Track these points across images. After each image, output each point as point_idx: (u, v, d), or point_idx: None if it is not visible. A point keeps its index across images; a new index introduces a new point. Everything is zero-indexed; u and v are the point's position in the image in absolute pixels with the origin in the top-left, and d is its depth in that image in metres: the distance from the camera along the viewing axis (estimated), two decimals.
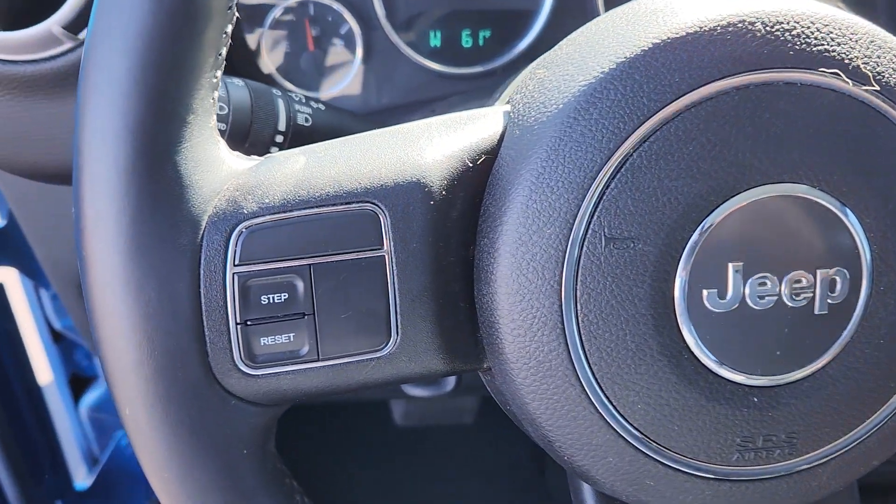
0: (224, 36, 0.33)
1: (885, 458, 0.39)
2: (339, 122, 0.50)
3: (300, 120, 0.48)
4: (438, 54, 0.66)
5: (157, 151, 0.31)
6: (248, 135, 0.45)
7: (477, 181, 0.36)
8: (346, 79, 0.65)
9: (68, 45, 0.49)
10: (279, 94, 0.47)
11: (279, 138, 0.47)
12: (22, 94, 0.51)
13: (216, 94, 0.34)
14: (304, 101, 0.49)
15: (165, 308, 0.32)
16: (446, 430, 1.26)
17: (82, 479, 1.14)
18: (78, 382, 1.10)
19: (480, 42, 0.67)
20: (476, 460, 1.26)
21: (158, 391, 0.33)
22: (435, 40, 0.66)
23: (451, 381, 0.71)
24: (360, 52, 0.65)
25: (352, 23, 0.64)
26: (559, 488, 1.25)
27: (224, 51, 0.33)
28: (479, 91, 0.59)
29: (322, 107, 0.50)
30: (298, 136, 0.48)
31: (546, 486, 1.26)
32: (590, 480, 0.38)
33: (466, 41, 0.66)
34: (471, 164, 0.36)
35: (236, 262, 0.33)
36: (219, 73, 0.34)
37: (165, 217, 0.32)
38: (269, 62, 0.64)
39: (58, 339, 1.05)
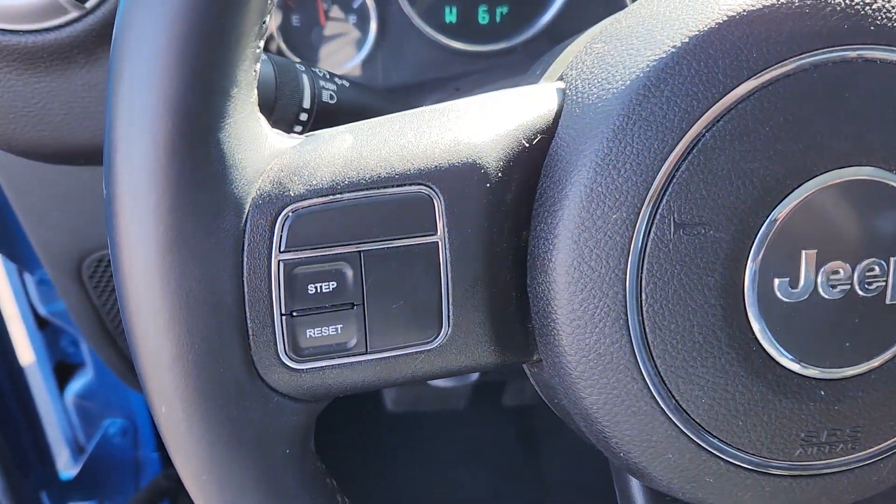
0: (269, 1, 0.30)
1: None
2: (364, 99, 0.48)
3: (325, 97, 0.45)
4: (454, 30, 0.64)
5: (200, 129, 0.28)
6: (273, 112, 0.42)
7: (532, 162, 0.34)
8: (359, 55, 0.62)
9: (73, 14, 0.46)
10: (303, 69, 0.45)
11: (304, 116, 0.44)
12: (21, 66, 0.47)
13: (258, 66, 0.31)
14: (328, 77, 0.46)
15: (208, 299, 0.29)
16: (438, 416, 1.25)
17: (67, 468, 1.10)
18: (64, 369, 1.06)
19: (497, 18, 0.64)
20: (467, 446, 1.25)
21: (198, 388, 0.30)
22: (451, 16, 0.63)
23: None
24: (374, 26, 0.62)
25: None
26: (552, 474, 1.25)
27: (268, 18, 0.31)
28: (504, 69, 0.57)
29: (346, 83, 0.47)
30: (323, 114, 0.45)
31: (538, 471, 1.26)
32: (644, 478, 0.36)
33: (483, 17, 0.64)
34: (527, 145, 0.34)
35: (282, 249, 0.31)
36: (261, 43, 0.31)
37: (208, 200, 0.29)
38: (278, 36, 0.61)
39: (43, 326, 1.01)
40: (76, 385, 1.07)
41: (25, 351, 1.02)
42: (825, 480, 0.36)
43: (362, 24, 0.62)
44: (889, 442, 0.36)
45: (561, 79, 0.36)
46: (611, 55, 0.34)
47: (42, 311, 0.95)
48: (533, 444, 1.27)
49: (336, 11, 0.61)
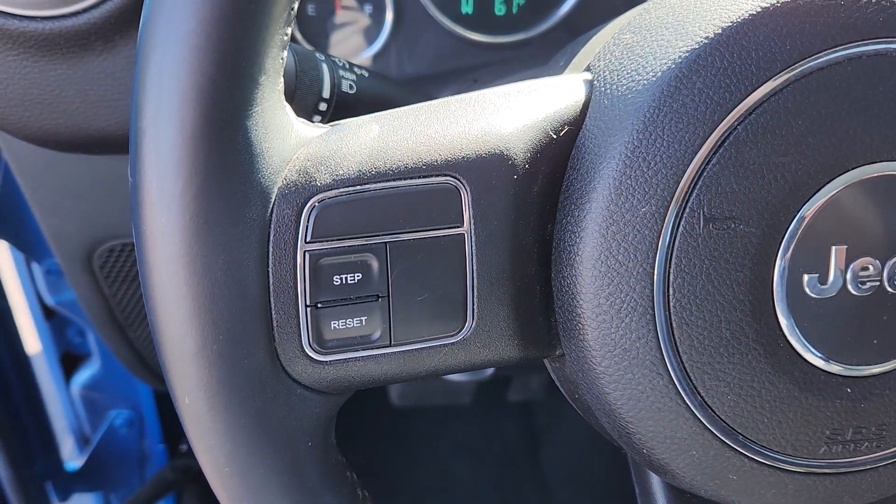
0: None
1: None
2: (384, 90, 0.47)
3: (344, 87, 0.44)
4: (471, 21, 0.63)
5: (228, 116, 0.28)
6: (292, 101, 0.42)
7: (559, 154, 0.34)
8: (375, 45, 0.62)
9: (91, 0, 0.45)
10: (323, 58, 0.44)
11: (323, 105, 0.44)
12: (38, 53, 0.47)
13: (285, 54, 0.31)
14: (348, 66, 0.45)
15: (233, 289, 0.29)
16: (443, 410, 1.24)
17: (73, 458, 1.10)
18: (70, 360, 1.06)
19: (514, 9, 0.63)
20: (471, 440, 1.25)
21: (221, 379, 0.30)
22: (467, 7, 0.63)
23: None
24: (390, 16, 0.61)
25: None
26: (556, 469, 1.25)
27: (296, 4, 0.30)
28: (522, 60, 0.56)
29: (366, 73, 0.46)
30: (342, 104, 0.45)
31: (542, 467, 1.26)
32: (668, 475, 0.36)
33: (500, 8, 0.63)
34: (554, 136, 0.33)
35: (308, 239, 0.30)
36: (289, 30, 0.30)
37: (234, 189, 0.29)
38: (294, 26, 0.60)
39: (50, 316, 1.00)
40: (82, 376, 1.07)
41: (32, 341, 1.02)
42: (849, 479, 0.36)
43: (378, 14, 0.61)
44: None
45: (588, 70, 0.36)
46: (640, 46, 0.34)
47: (49, 301, 0.95)
48: (537, 440, 1.27)
49: (351, 0, 0.61)
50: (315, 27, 0.61)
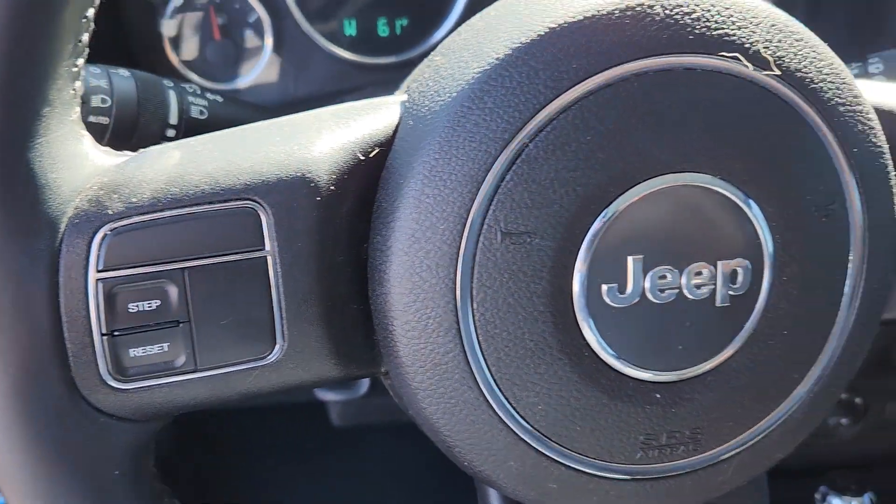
0: (84, 20, 0.30)
1: (788, 451, 0.39)
2: (238, 114, 0.48)
3: (194, 112, 0.45)
4: (354, 43, 0.64)
5: (8, 147, 0.28)
6: (136, 128, 0.42)
7: (370, 175, 0.34)
8: (256, 69, 0.63)
9: None
10: (171, 84, 0.45)
11: (171, 132, 0.44)
12: None
13: (78, 85, 0.31)
14: (199, 92, 0.46)
15: (21, 320, 0.29)
16: (385, 431, 1.24)
17: None
18: None
19: (398, 30, 0.65)
20: (409, 460, 1.25)
21: (17, 410, 0.30)
22: (350, 29, 0.64)
23: (364, 384, 0.70)
24: (269, 41, 0.62)
25: (259, 11, 0.61)
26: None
27: (85, 37, 0.31)
28: (397, 81, 0.57)
29: (220, 98, 0.47)
30: (193, 130, 0.45)
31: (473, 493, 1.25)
32: (493, 486, 0.36)
33: (383, 30, 0.64)
34: (363, 158, 0.34)
35: (100, 268, 0.30)
36: (80, 62, 0.31)
37: (19, 220, 0.29)
38: (173, 54, 0.61)
39: None
40: None
41: None
42: (669, 483, 0.37)
43: (258, 39, 0.62)
44: (730, 443, 0.37)
45: (406, 91, 0.37)
46: (445, 67, 0.35)
47: None
48: None
49: (231, 26, 0.62)
50: (195, 54, 0.61)
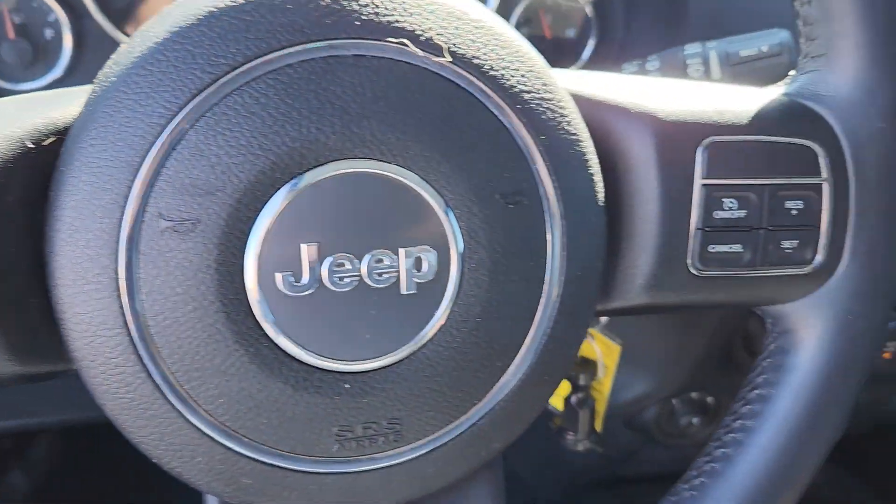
0: None
1: (507, 442, 0.38)
2: None
3: None
4: None
5: None
6: None
7: (42, 164, 0.33)
8: (57, 69, 0.61)
9: None
10: None
11: None
12: None
13: None
14: None
15: None
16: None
17: None
18: None
19: None
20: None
21: None
22: None
23: None
24: (68, 40, 0.61)
25: (57, 10, 0.60)
26: None
27: None
28: None
29: None
30: None
31: None
32: (190, 483, 0.35)
33: None
34: (32, 146, 0.33)
35: None
36: None
37: None
38: None
39: None
40: None
41: None
42: (373, 475, 0.36)
43: (58, 38, 0.61)
44: (436, 434, 0.36)
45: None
46: (118, 53, 0.34)
47: None
48: None
49: (28, 26, 0.60)
50: None
